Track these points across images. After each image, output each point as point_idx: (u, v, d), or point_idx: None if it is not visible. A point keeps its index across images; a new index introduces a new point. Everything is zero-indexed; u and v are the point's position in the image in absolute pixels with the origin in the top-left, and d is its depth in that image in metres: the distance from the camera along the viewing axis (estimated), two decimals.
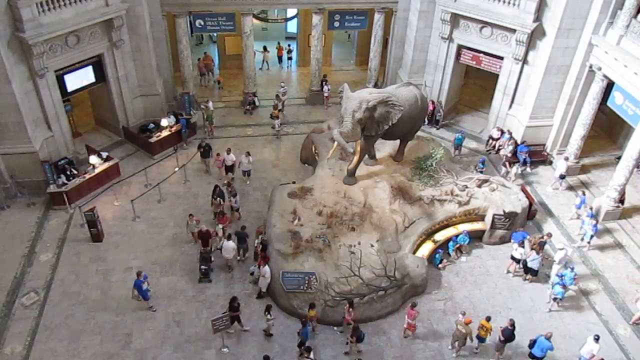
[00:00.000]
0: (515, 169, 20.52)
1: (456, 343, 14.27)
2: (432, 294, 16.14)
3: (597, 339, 13.65)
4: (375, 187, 17.94)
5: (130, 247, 17.38)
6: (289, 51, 29.52)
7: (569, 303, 15.94)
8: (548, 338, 13.68)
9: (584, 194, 18.91)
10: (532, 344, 13.82)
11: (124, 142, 22.29)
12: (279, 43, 29.95)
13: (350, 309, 14.33)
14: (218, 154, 20.25)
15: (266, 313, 14.38)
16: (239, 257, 16.94)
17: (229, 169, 20.08)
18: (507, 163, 20.92)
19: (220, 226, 17.19)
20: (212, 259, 16.25)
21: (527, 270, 16.46)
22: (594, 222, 17.50)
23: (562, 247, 16.47)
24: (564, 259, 16.31)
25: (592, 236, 17.55)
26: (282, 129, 23.31)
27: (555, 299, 15.61)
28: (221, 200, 18.12)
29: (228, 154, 19.84)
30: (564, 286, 15.47)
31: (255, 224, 18.19)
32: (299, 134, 23.28)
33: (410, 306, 14.50)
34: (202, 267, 15.54)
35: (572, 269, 15.82)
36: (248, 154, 19.98)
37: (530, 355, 13.91)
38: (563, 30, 19.12)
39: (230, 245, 16.27)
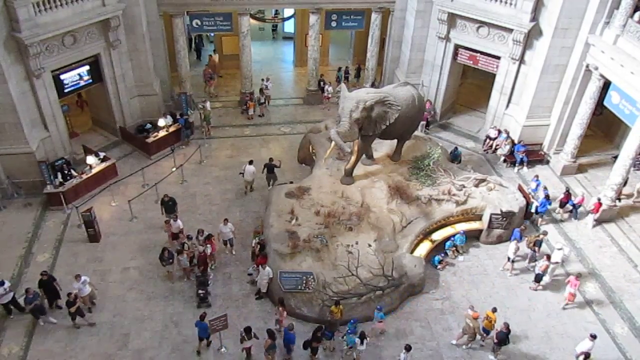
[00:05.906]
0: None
1: (465, 337, 14.32)
2: (429, 294, 16.16)
3: (593, 337, 13.66)
4: (373, 186, 17.95)
5: (127, 248, 17.35)
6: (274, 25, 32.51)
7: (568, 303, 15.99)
8: None
9: (537, 177, 19.62)
10: None
11: (121, 142, 22.26)
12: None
13: (281, 307, 13.91)
14: (167, 221, 17.33)
15: None
16: (269, 188, 19.02)
17: (175, 236, 17.15)
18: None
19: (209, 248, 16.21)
20: (210, 282, 15.71)
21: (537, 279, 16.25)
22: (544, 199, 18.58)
23: (560, 246, 16.51)
24: (563, 259, 16.38)
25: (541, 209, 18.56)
26: (254, 115, 24.64)
27: (350, 347, 13.99)
28: (174, 260, 15.96)
29: (175, 220, 17.04)
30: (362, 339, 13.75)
31: (253, 224, 18.22)
32: (297, 133, 23.28)
33: (575, 276, 15.36)
34: (200, 291, 15.12)
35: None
36: (226, 221, 16.85)
37: None
38: (560, 30, 19.16)
39: (251, 168, 18.87)
